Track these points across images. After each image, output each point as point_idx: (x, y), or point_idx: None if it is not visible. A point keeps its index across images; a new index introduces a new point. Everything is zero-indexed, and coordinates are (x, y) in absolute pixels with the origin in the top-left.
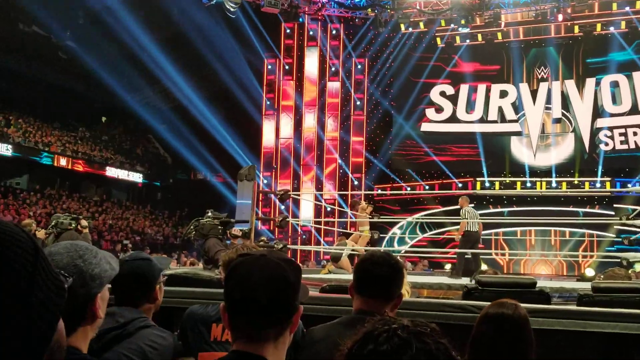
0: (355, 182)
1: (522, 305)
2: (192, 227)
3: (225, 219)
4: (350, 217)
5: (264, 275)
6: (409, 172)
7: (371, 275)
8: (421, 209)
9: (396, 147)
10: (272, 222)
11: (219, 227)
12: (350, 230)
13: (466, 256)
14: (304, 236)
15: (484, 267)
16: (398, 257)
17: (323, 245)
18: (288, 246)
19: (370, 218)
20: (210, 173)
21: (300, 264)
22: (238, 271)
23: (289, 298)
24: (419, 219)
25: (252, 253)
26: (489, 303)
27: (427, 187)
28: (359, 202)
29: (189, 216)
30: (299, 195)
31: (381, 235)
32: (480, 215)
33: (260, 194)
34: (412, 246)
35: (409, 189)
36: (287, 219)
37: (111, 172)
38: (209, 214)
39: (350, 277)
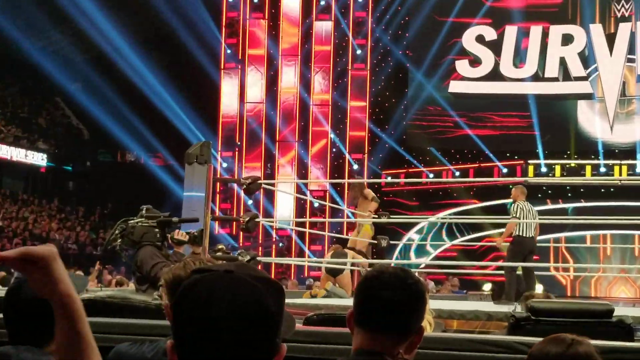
0: (355, 166)
1: (592, 342)
2: (117, 231)
3: (166, 218)
4: (348, 216)
5: (232, 301)
6: (431, 151)
7: (379, 300)
8: (449, 204)
9: (413, 117)
10: (234, 223)
11: (157, 230)
12: (347, 235)
13: (516, 272)
14: (280, 244)
15: (538, 288)
16: (417, 275)
17: (308, 256)
18: (258, 258)
19: (376, 217)
20: (146, 153)
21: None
22: (193, 296)
23: (268, 334)
24: (445, 218)
25: (211, 268)
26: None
27: (457, 174)
28: (361, 186)
29: (114, 215)
30: (273, 185)
31: (392, 242)
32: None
33: (218, 183)
34: (436, 258)
35: (431, 175)
36: (257, 220)
37: (1, 151)
38: (143, 211)
39: (348, 302)
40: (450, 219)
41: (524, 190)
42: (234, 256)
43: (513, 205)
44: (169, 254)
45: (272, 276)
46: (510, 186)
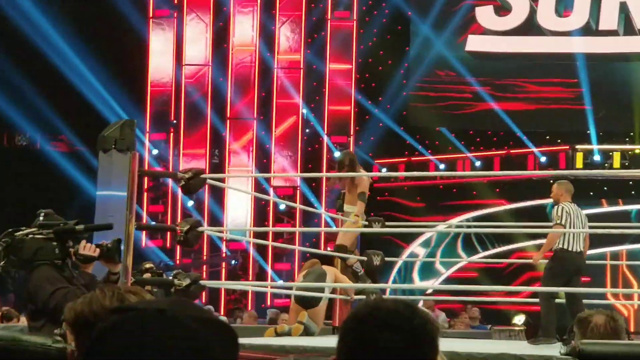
0: (337, 153)
1: None
2: (0, 247)
3: (68, 225)
4: (327, 224)
5: (164, 353)
6: (441, 133)
7: (373, 348)
8: (466, 206)
9: (417, 85)
10: (169, 233)
11: (55, 243)
12: (325, 250)
13: (557, 299)
14: (233, 261)
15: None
16: (422, 307)
17: (272, 279)
18: (202, 282)
19: (368, 222)
20: (44, 135)
21: (231, 323)
22: (111, 346)
23: None
24: (462, 226)
25: (135, 306)
26: None
27: (477, 164)
28: (353, 163)
29: None
30: (223, 180)
31: (388, 259)
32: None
33: (146, 178)
34: (448, 280)
35: (442, 167)
36: (200, 228)
37: None
38: (41, 218)
39: (327, 342)
40: (469, 226)
41: (569, 187)
42: (167, 279)
43: (555, 207)
44: (74, 275)
45: (222, 306)
46: (551, 181)
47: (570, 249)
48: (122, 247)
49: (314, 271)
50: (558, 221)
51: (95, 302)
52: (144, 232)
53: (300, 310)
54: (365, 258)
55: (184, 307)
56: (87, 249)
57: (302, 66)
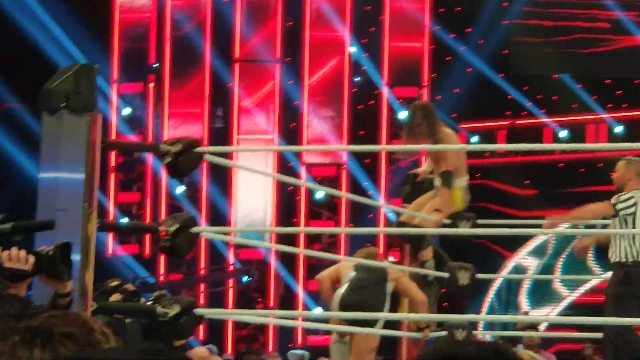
0: (403, 113)
1: None
2: None
3: None
4: (389, 221)
5: None
6: (561, 82)
7: None
8: (599, 194)
9: (524, 10)
10: (148, 235)
11: None
12: (384, 258)
13: None
14: (245, 277)
15: None
16: (523, 351)
17: (303, 302)
18: (198, 310)
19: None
20: None
21: None
22: None
23: None
24: (595, 224)
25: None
26: None
27: (617, 130)
28: (430, 119)
29: None
30: (229, 155)
31: (480, 275)
32: None
33: (114, 152)
34: (573, 307)
35: (563, 134)
36: (194, 229)
37: None
38: None
39: None
40: (605, 226)
41: None
42: (145, 306)
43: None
44: (2, 296)
45: (229, 345)
46: None
47: None
48: (77, 256)
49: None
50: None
51: (13, 358)
52: (110, 233)
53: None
54: (445, 274)
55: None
56: (15, 259)
57: None
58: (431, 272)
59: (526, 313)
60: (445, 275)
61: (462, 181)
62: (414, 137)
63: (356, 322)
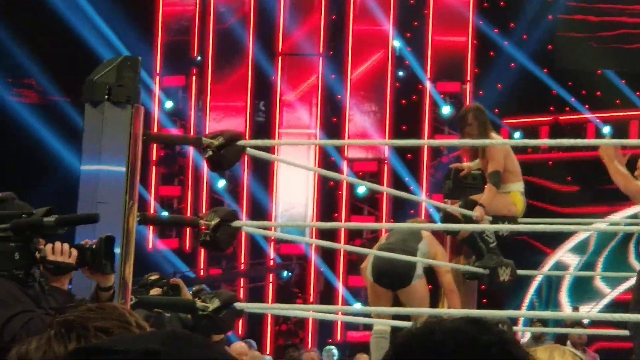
0: (446, 109)
1: None
2: None
3: (34, 217)
4: (431, 218)
5: None
6: (605, 78)
7: None
8: None
9: (569, 4)
10: (188, 229)
11: (14, 244)
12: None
13: None
14: (286, 273)
15: None
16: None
17: (343, 298)
18: (238, 305)
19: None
20: (4, 80)
21: None
22: None
23: None
24: (638, 221)
25: (111, 347)
26: None
27: None
28: (481, 121)
29: None
30: (271, 149)
31: (520, 272)
32: None
33: (155, 145)
34: (614, 306)
35: (606, 130)
36: (235, 223)
37: None
38: None
39: None
40: None
41: None
42: (185, 299)
43: None
44: (45, 291)
45: (268, 341)
46: None
47: None
48: (117, 250)
49: (393, 240)
50: None
51: (49, 352)
52: (150, 227)
53: (384, 293)
54: (485, 270)
55: (187, 346)
56: (58, 252)
57: None
58: (472, 269)
59: (576, 309)
60: (485, 271)
61: (519, 186)
62: (463, 136)
63: (391, 282)
